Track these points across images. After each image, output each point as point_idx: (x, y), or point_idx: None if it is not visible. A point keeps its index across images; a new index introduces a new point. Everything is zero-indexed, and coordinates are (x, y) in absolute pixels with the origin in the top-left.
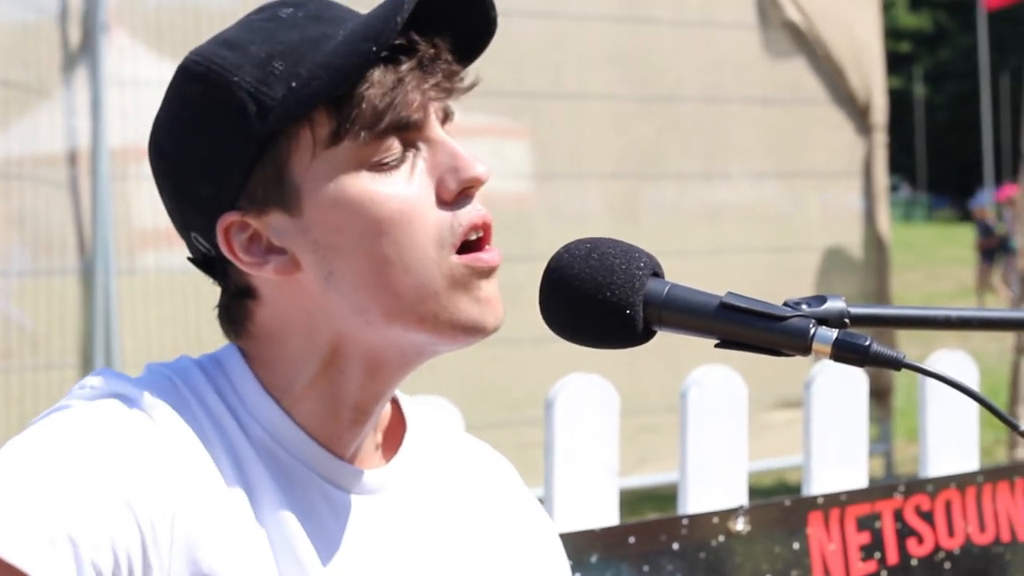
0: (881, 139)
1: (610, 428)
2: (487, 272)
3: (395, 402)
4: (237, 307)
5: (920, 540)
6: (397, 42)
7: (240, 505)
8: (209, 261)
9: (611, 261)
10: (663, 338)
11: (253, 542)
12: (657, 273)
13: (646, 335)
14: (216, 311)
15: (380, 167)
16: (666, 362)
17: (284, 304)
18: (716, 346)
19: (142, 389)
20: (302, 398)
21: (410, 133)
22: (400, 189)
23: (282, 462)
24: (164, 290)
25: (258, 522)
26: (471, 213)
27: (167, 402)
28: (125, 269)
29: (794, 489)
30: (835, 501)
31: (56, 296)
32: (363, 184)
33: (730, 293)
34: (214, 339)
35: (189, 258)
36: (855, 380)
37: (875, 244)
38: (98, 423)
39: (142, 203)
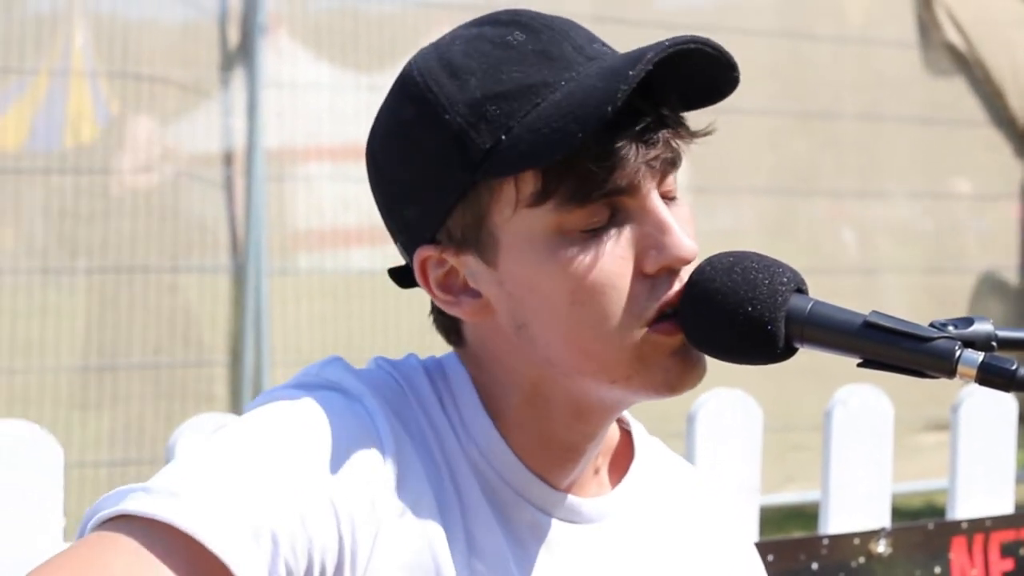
0: None
1: (752, 444)
2: (678, 346)
3: (625, 430)
4: (447, 320)
5: None
6: (624, 112)
7: (449, 523)
8: (409, 273)
9: (754, 276)
10: (813, 356)
11: (452, 562)
12: (801, 289)
13: (787, 352)
14: (430, 317)
15: (583, 234)
16: (816, 380)
17: (485, 334)
18: (859, 365)
19: (370, 388)
20: (515, 424)
21: (621, 199)
22: (601, 259)
23: (494, 485)
24: (315, 291)
25: (464, 542)
26: (669, 292)
27: (392, 407)
28: (277, 269)
29: (943, 513)
30: (980, 526)
31: (208, 293)
32: (563, 251)
33: (875, 312)
34: (364, 341)
35: (389, 271)
36: (1004, 404)
37: None
38: (317, 418)
39: (296, 204)
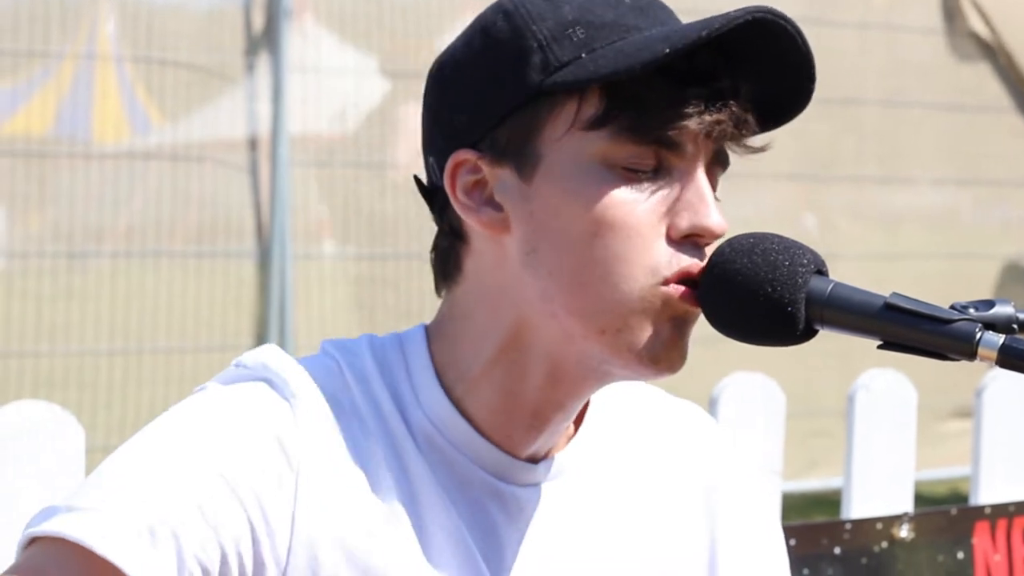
0: None
1: (775, 427)
2: (681, 314)
3: None
4: (449, 249)
5: None
6: (700, 67)
7: (389, 501)
8: (433, 192)
9: (774, 257)
10: (838, 342)
11: (395, 540)
12: (821, 271)
13: (807, 334)
14: (431, 255)
15: (626, 172)
16: (841, 366)
17: (486, 261)
18: (879, 347)
19: (296, 374)
20: (477, 385)
21: (671, 155)
22: (636, 206)
23: (447, 456)
24: (339, 276)
25: (411, 517)
26: (690, 261)
27: (322, 389)
28: (301, 254)
29: (967, 500)
30: (1003, 512)
31: (232, 278)
32: (600, 181)
33: (895, 294)
34: (388, 327)
35: (415, 177)
36: None
37: None
38: (226, 413)
39: (320, 190)
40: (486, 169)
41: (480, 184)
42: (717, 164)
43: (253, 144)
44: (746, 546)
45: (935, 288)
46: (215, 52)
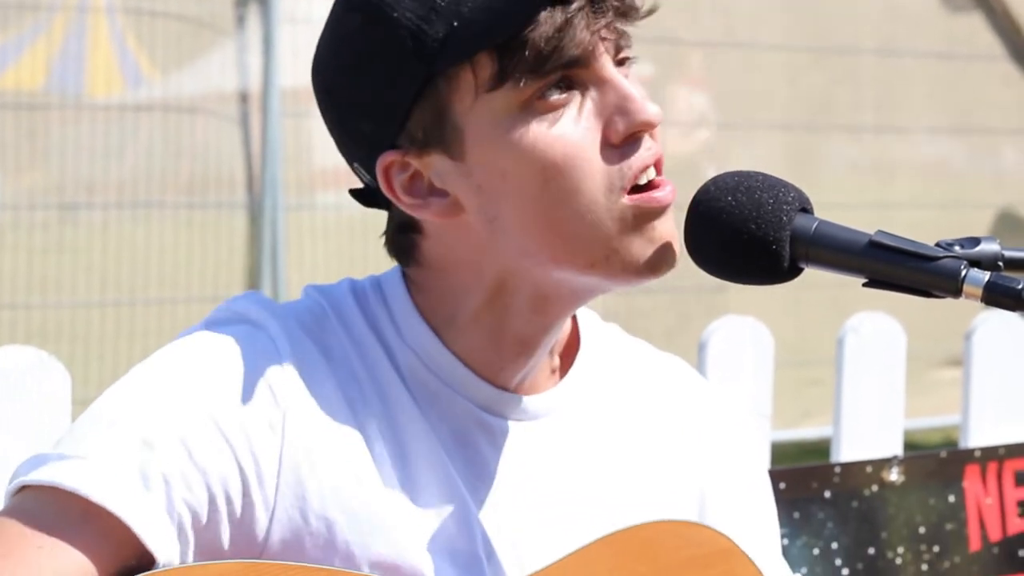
0: None
1: (763, 371)
2: (660, 211)
3: (575, 320)
4: (403, 239)
5: None
6: None
7: (374, 439)
8: (372, 192)
9: (759, 195)
10: (833, 292)
11: (380, 475)
12: (806, 209)
13: (792, 272)
14: (383, 239)
15: (545, 106)
16: (835, 316)
17: (450, 240)
18: (864, 285)
19: (280, 316)
20: (464, 330)
21: (577, 71)
22: (566, 131)
23: (433, 391)
24: (331, 227)
25: (396, 454)
26: (642, 156)
27: (307, 332)
28: (293, 205)
29: None
30: (993, 455)
31: (224, 230)
32: (528, 128)
33: (880, 231)
34: None
35: (351, 191)
36: (1017, 331)
37: None
38: (214, 355)
39: (312, 141)
40: (415, 162)
41: (416, 177)
42: (622, 53)
43: (244, 96)
44: (735, 493)
45: (928, 238)
46: (206, 3)
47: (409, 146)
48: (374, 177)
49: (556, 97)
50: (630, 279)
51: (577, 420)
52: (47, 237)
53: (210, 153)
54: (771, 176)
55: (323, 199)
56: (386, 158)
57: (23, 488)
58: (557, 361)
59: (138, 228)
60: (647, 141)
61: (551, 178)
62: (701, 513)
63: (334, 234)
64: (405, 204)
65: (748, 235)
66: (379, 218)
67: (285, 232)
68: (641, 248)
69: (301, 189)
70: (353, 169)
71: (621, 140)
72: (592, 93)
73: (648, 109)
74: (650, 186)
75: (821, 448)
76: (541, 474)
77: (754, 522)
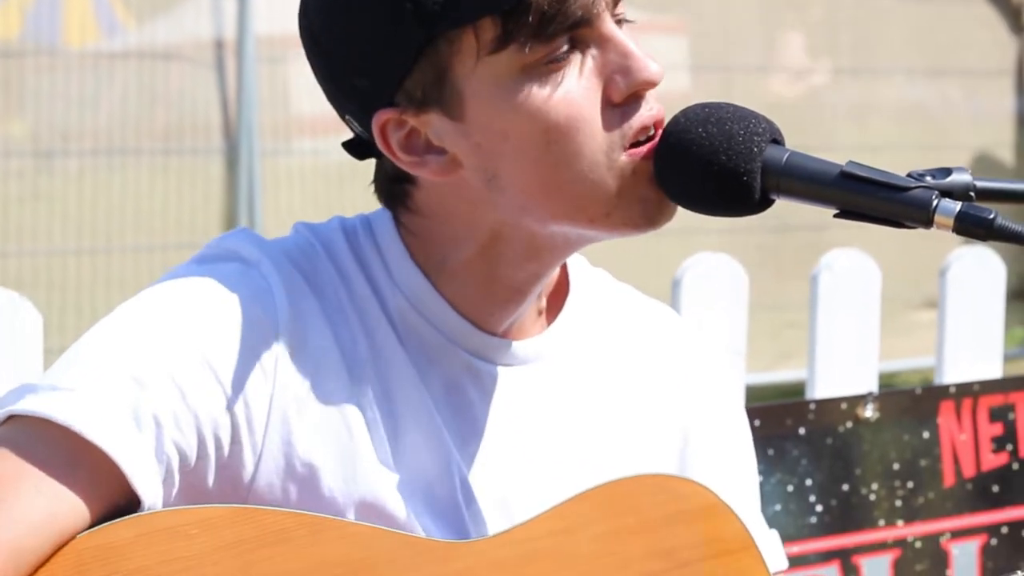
0: None
1: (738, 308)
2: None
3: (564, 265)
4: (395, 188)
5: None
6: None
7: (360, 380)
8: (363, 143)
9: (729, 127)
10: (810, 238)
11: (364, 420)
12: (777, 140)
13: (763, 203)
14: (371, 187)
15: (547, 68)
16: (813, 260)
17: (445, 193)
18: (835, 216)
19: (272, 254)
20: (455, 275)
21: (579, 31)
22: (568, 92)
23: (421, 334)
24: (308, 173)
25: (381, 396)
26: (643, 115)
27: (297, 268)
28: (269, 151)
29: None
30: (968, 391)
31: (200, 176)
32: (530, 90)
33: (851, 162)
34: None
35: (343, 143)
36: (992, 268)
37: None
38: (205, 293)
39: (287, 87)
40: (412, 120)
41: (413, 134)
42: (618, 8)
43: (220, 42)
44: (717, 434)
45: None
46: None
47: (407, 104)
48: (367, 129)
49: (558, 55)
50: (628, 232)
51: (565, 365)
52: (22, 185)
53: (186, 100)
54: (742, 107)
55: (299, 145)
56: (382, 116)
57: (11, 417)
58: (544, 303)
59: (114, 176)
60: (649, 100)
61: (553, 140)
62: (683, 453)
63: (310, 180)
64: (402, 161)
65: (719, 167)
66: (355, 164)
67: (261, 178)
68: (640, 203)
69: (277, 135)
70: (344, 120)
71: (623, 99)
72: (592, 51)
73: (650, 67)
74: (649, 141)
75: (799, 390)
76: (529, 420)
77: (734, 463)
